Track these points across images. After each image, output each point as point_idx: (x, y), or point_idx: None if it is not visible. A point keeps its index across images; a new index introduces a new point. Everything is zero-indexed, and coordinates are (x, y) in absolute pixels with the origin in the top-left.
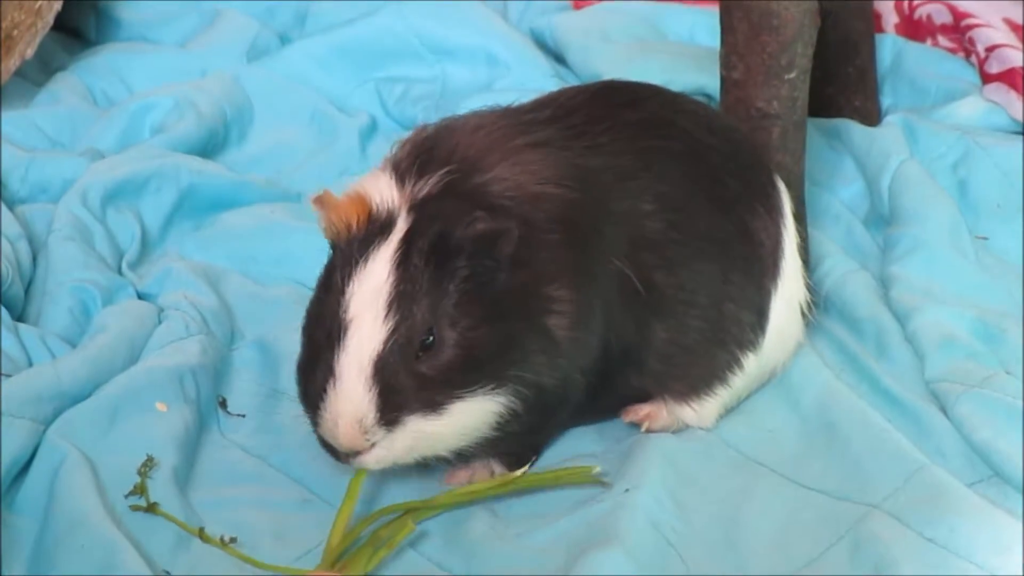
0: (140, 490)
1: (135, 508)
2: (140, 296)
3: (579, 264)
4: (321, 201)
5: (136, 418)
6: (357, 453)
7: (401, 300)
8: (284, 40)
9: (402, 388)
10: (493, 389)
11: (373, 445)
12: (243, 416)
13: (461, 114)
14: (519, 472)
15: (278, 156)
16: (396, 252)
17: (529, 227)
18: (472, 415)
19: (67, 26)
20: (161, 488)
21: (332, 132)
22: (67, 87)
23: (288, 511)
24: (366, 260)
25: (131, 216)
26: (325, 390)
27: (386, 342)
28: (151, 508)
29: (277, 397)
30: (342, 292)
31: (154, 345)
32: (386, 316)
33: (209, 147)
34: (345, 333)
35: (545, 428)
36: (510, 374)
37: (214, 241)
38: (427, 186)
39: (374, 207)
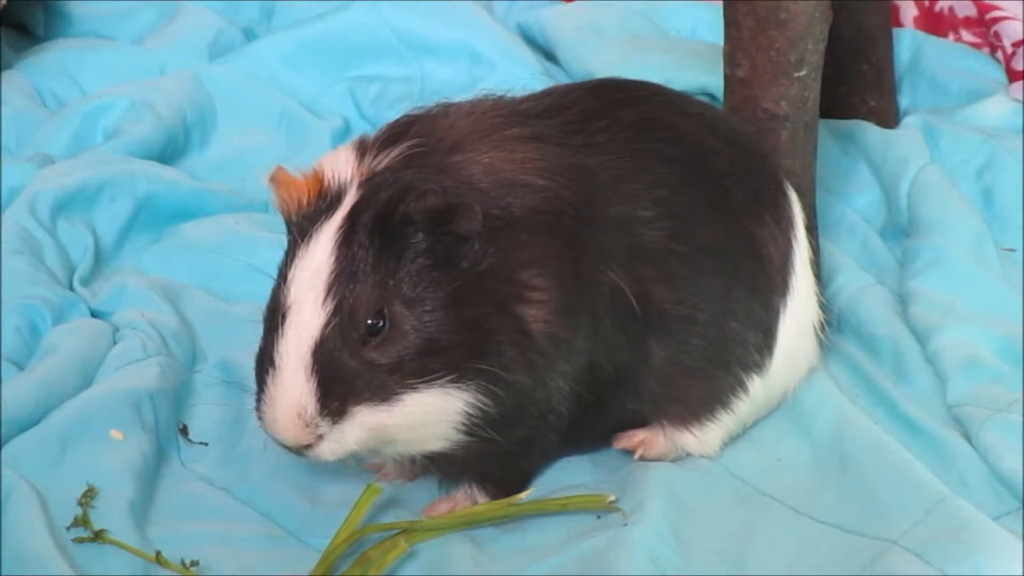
0: (83, 522)
1: (79, 540)
2: (93, 314)
3: (562, 256)
4: (274, 179)
5: (89, 447)
6: (308, 447)
7: (343, 280)
8: (249, 36)
9: (346, 376)
10: (454, 381)
11: (321, 437)
12: (206, 445)
13: (455, 101)
14: (523, 495)
15: (243, 162)
16: (340, 229)
17: (504, 211)
18: (430, 408)
19: (13, 21)
20: (116, 522)
21: (302, 136)
22: (13, 87)
23: (254, 548)
24: (308, 240)
25: (83, 227)
26: (265, 383)
27: (326, 327)
28: (98, 536)
29: (243, 424)
30: (285, 277)
31: (109, 367)
32: (326, 299)
33: (168, 152)
34: (285, 320)
35: (531, 449)
36: (473, 365)
37: (174, 254)
38: (387, 159)
39: (326, 183)
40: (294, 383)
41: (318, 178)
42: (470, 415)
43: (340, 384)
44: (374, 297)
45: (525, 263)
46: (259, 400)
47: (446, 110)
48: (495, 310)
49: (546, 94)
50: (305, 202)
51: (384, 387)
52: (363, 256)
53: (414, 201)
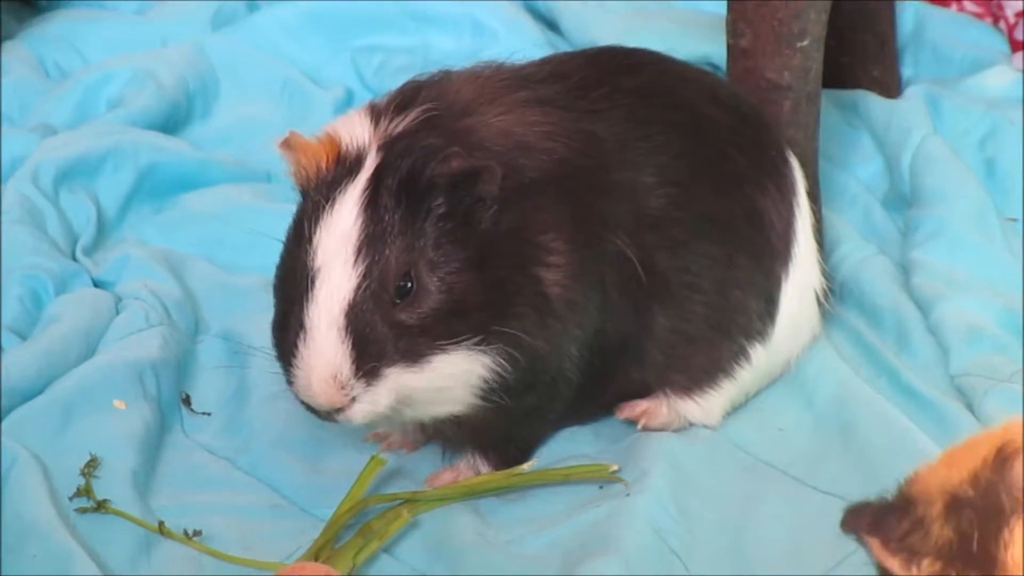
0: (85, 492)
1: (82, 510)
2: (96, 284)
3: (576, 220)
4: (288, 144)
5: (92, 417)
6: (339, 410)
7: (371, 243)
8: (252, 6)
9: (379, 337)
10: (478, 344)
11: (354, 400)
12: (208, 415)
13: (454, 69)
14: (526, 466)
15: (246, 132)
16: (364, 192)
17: (518, 174)
18: (455, 371)
19: None
20: (119, 493)
21: (305, 106)
22: (16, 58)
23: (257, 518)
24: (332, 204)
25: (86, 197)
26: (296, 346)
27: (357, 289)
28: (101, 506)
29: (245, 394)
30: (309, 241)
31: (111, 337)
32: (356, 261)
33: (171, 122)
34: (313, 284)
35: (536, 418)
36: (495, 328)
37: (176, 225)
38: (403, 123)
39: (343, 147)
40: (328, 345)
41: (334, 142)
42: (489, 379)
43: (373, 346)
44: (402, 259)
45: (543, 226)
46: (289, 363)
47: (448, 76)
48: (515, 272)
49: (546, 61)
50: (324, 166)
51: (414, 349)
52: (389, 219)
53: (439, 164)
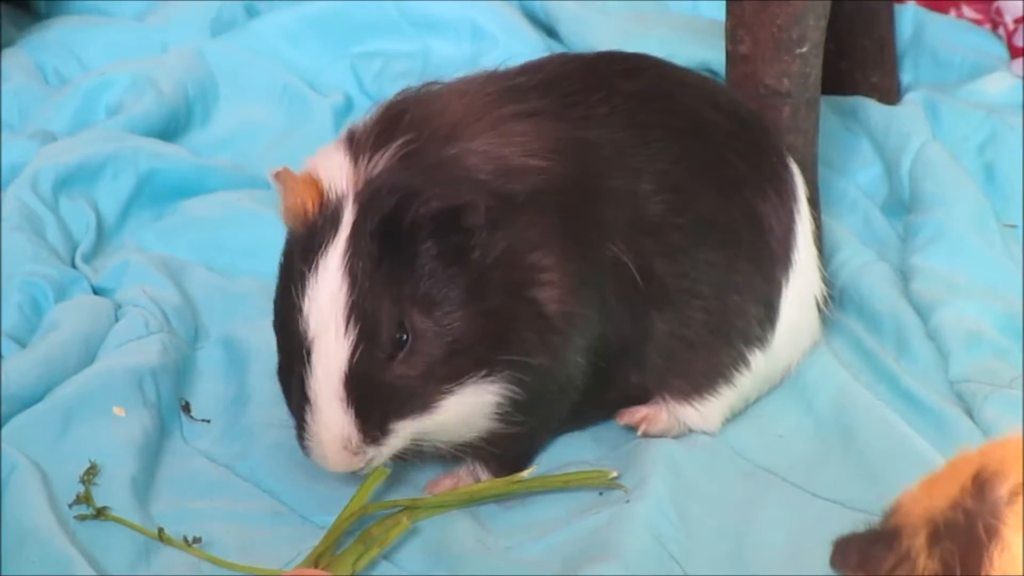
0: (85, 499)
1: (81, 517)
2: (95, 291)
3: (567, 233)
4: (280, 179)
5: (91, 423)
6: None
7: (359, 304)
8: (251, 12)
9: (382, 397)
10: (485, 377)
11: (372, 459)
12: (208, 421)
13: (447, 80)
14: (525, 472)
15: (245, 138)
16: (346, 252)
17: (506, 200)
18: (466, 407)
19: None
20: (118, 499)
21: (304, 112)
22: (15, 64)
23: (256, 524)
24: (315, 268)
25: (85, 204)
26: (304, 419)
27: (352, 356)
28: (100, 513)
29: (245, 400)
30: (299, 309)
31: (111, 344)
32: (347, 328)
33: (170, 129)
34: (310, 355)
35: (544, 426)
36: (501, 359)
37: (176, 231)
38: (381, 161)
39: (325, 193)
40: (333, 417)
41: (316, 186)
42: (501, 404)
43: (378, 407)
44: (393, 312)
45: (532, 245)
46: (300, 435)
47: (438, 91)
48: (510, 298)
49: (540, 67)
50: (308, 211)
51: (420, 398)
52: (373, 272)
53: (420, 207)
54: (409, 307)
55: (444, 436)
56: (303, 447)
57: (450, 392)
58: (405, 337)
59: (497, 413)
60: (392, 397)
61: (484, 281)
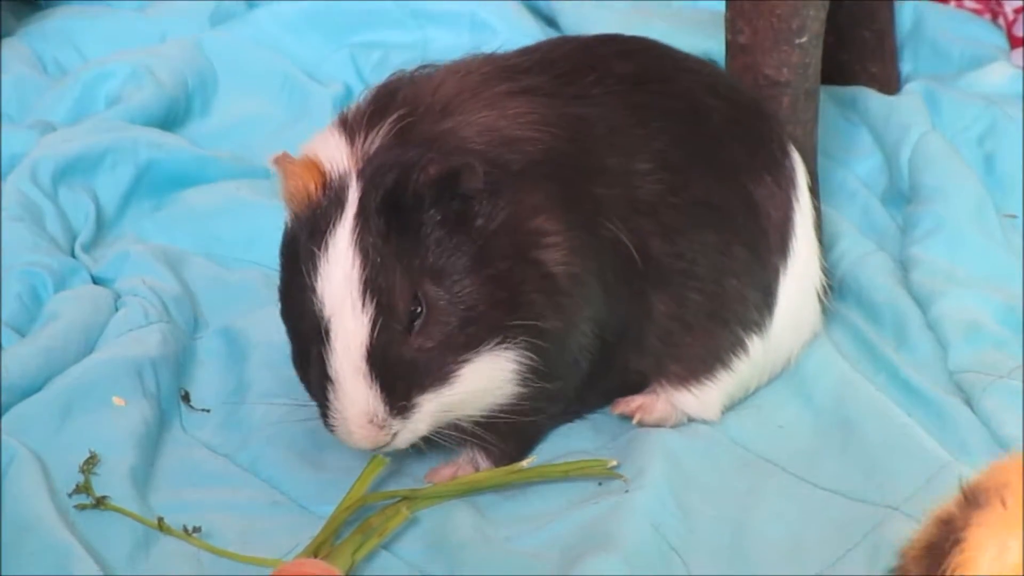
0: (84, 488)
1: (81, 507)
2: (95, 281)
3: (567, 201)
4: (280, 164)
5: (91, 414)
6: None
7: (374, 280)
8: (251, 3)
9: (404, 370)
10: (500, 344)
11: (396, 434)
12: (207, 411)
13: (442, 63)
14: (525, 462)
15: (245, 129)
16: (355, 229)
17: (504, 168)
18: (486, 375)
19: None
20: (118, 489)
21: (303, 102)
22: (15, 55)
23: (256, 514)
24: (326, 248)
25: (85, 194)
26: (327, 397)
27: (372, 331)
28: (100, 503)
29: (244, 390)
30: (313, 289)
31: (110, 334)
32: (364, 304)
33: (170, 119)
34: (328, 334)
35: (547, 407)
36: (513, 323)
37: (175, 221)
38: (377, 138)
39: (327, 174)
40: (358, 393)
41: (317, 168)
42: (519, 371)
43: (401, 380)
44: (406, 284)
45: (533, 211)
46: (325, 414)
47: (429, 73)
48: (516, 261)
49: (535, 49)
50: (311, 194)
51: (440, 369)
52: (383, 247)
53: (419, 175)
54: (420, 278)
55: (466, 409)
56: (328, 426)
57: (467, 361)
58: (420, 309)
59: (518, 377)
60: (413, 370)
61: (490, 247)
